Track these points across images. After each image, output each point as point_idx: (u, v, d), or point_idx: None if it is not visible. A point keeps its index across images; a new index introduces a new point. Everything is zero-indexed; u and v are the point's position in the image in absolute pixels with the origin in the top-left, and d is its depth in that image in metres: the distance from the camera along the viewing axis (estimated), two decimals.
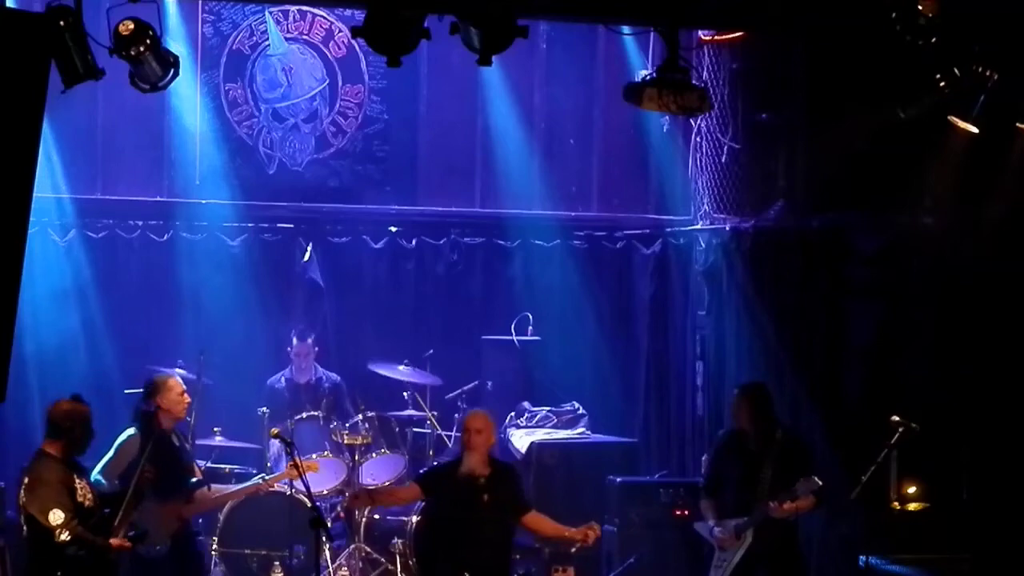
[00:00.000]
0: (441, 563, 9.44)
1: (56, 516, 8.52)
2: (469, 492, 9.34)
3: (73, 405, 8.88)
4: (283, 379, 12.50)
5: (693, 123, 12.81)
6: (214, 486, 10.39)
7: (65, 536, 8.52)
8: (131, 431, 9.84)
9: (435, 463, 11.29)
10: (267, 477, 10.83)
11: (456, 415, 12.45)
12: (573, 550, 9.94)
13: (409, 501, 9.64)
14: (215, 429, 11.68)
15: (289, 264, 13.16)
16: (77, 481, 8.74)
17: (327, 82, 13.13)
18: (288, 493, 10.84)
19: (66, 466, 8.75)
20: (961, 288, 10.24)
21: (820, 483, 9.63)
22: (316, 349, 12.54)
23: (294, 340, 12.47)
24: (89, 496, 8.79)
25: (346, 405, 12.34)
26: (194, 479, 10.10)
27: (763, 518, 9.75)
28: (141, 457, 9.38)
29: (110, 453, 9.76)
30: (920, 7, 8.52)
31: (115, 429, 9.86)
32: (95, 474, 9.54)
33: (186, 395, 10.15)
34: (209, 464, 11.41)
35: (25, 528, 8.77)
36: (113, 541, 8.77)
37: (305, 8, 12.76)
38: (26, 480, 8.80)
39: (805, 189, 11.70)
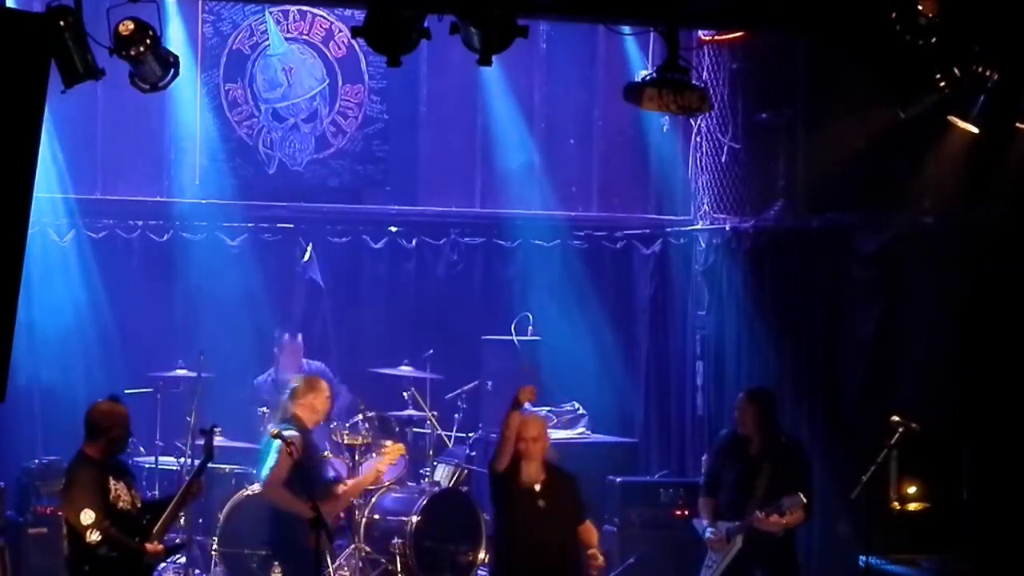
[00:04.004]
0: (505, 565, 9.43)
1: (87, 516, 8.48)
2: (524, 498, 9.26)
3: (111, 406, 8.87)
4: (268, 380, 12.48)
5: (693, 123, 12.82)
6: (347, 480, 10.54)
7: (95, 536, 8.48)
8: (289, 433, 9.90)
9: None
10: (380, 463, 10.83)
11: (456, 415, 12.47)
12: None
13: (511, 438, 9.43)
14: (215, 429, 11.65)
15: (289, 264, 13.17)
16: (113, 483, 8.70)
17: (327, 82, 13.14)
18: None
19: (103, 467, 8.72)
20: (961, 288, 10.22)
21: (805, 500, 9.65)
22: (303, 346, 12.54)
23: (285, 337, 12.44)
24: (125, 499, 8.75)
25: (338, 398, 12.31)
26: (331, 475, 10.30)
27: (752, 527, 9.77)
28: (306, 456, 9.75)
29: (271, 459, 9.94)
30: (920, 7, 8.51)
31: None
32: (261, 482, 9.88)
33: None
34: (209, 464, 11.37)
35: (64, 528, 8.74)
36: (148, 546, 8.73)
37: (305, 8, 12.76)
38: (64, 481, 8.82)
39: (805, 189, 11.71)
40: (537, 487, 9.24)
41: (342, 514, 11.58)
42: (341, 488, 10.27)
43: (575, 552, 9.36)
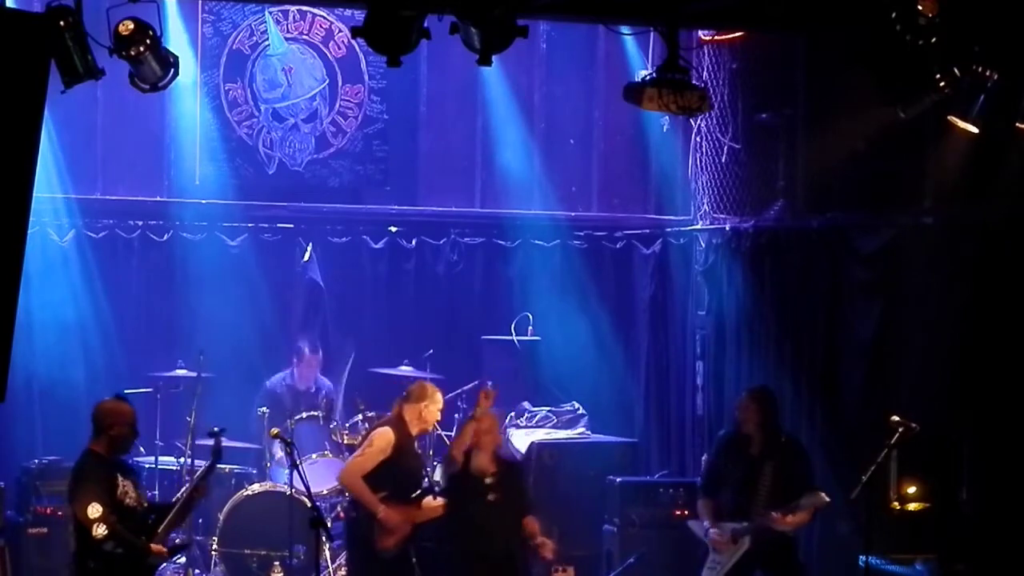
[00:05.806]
0: (454, 555, 9.83)
1: (94, 509, 8.51)
2: (475, 489, 9.73)
3: (115, 404, 8.91)
4: (283, 384, 12.47)
5: (693, 123, 12.81)
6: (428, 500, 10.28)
7: (102, 531, 8.49)
8: (385, 429, 9.99)
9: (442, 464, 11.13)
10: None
11: (456, 415, 12.44)
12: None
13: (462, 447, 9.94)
14: (215, 429, 11.65)
15: (289, 264, 13.16)
16: (120, 479, 8.73)
17: (327, 82, 13.13)
18: (288, 493, 10.84)
19: (110, 464, 8.76)
20: (961, 288, 10.22)
21: (828, 499, 9.69)
22: (321, 361, 12.53)
23: (305, 351, 12.40)
24: (132, 496, 8.78)
25: (337, 411, 12.34)
26: (426, 484, 10.23)
27: (763, 527, 9.76)
28: (397, 457, 9.82)
29: (362, 447, 9.97)
30: (920, 7, 8.51)
31: None
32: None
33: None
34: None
35: (72, 525, 8.78)
36: (153, 546, 8.74)
37: (305, 8, 12.75)
38: (71, 477, 8.86)
39: (805, 189, 11.71)
40: (488, 480, 9.76)
41: (342, 515, 11.60)
42: (428, 500, 10.12)
43: (522, 542, 9.83)
